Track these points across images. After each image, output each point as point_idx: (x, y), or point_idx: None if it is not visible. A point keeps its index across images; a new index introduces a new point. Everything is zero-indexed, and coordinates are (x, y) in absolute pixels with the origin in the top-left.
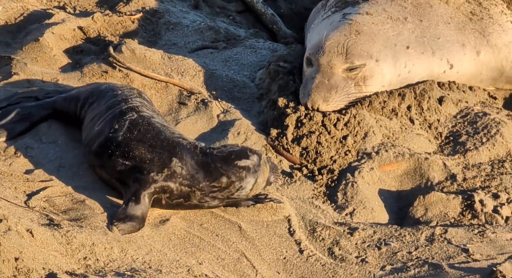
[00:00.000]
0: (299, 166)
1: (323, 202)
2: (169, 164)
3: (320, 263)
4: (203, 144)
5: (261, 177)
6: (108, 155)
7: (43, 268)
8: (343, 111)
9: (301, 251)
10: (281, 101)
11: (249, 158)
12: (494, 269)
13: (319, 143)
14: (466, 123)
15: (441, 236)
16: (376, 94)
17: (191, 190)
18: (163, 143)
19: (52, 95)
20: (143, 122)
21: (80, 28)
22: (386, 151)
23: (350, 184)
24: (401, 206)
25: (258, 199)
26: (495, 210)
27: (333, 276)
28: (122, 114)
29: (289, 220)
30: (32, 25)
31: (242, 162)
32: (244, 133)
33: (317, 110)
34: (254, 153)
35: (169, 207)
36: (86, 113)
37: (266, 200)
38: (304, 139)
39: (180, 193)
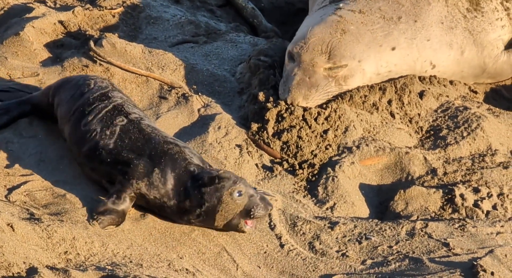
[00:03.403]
0: (280, 161)
1: (304, 197)
2: (150, 174)
3: (301, 257)
4: (193, 159)
5: (225, 210)
6: (99, 161)
7: (24, 262)
8: (324, 105)
9: (281, 246)
10: (262, 96)
11: (217, 188)
12: (475, 263)
13: (299, 137)
14: (446, 117)
15: (422, 230)
16: (357, 88)
17: (162, 204)
18: (151, 152)
19: (31, 91)
20: (133, 129)
21: (61, 22)
22: (367, 145)
23: (330, 178)
24: (381, 200)
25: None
26: (475, 204)
27: (313, 270)
28: (111, 118)
29: (269, 215)
30: (12, 19)
31: (208, 190)
32: (225, 127)
33: (297, 105)
34: (224, 181)
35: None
36: (61, 102)
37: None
38: (285, 133)
39: (154, 204)
